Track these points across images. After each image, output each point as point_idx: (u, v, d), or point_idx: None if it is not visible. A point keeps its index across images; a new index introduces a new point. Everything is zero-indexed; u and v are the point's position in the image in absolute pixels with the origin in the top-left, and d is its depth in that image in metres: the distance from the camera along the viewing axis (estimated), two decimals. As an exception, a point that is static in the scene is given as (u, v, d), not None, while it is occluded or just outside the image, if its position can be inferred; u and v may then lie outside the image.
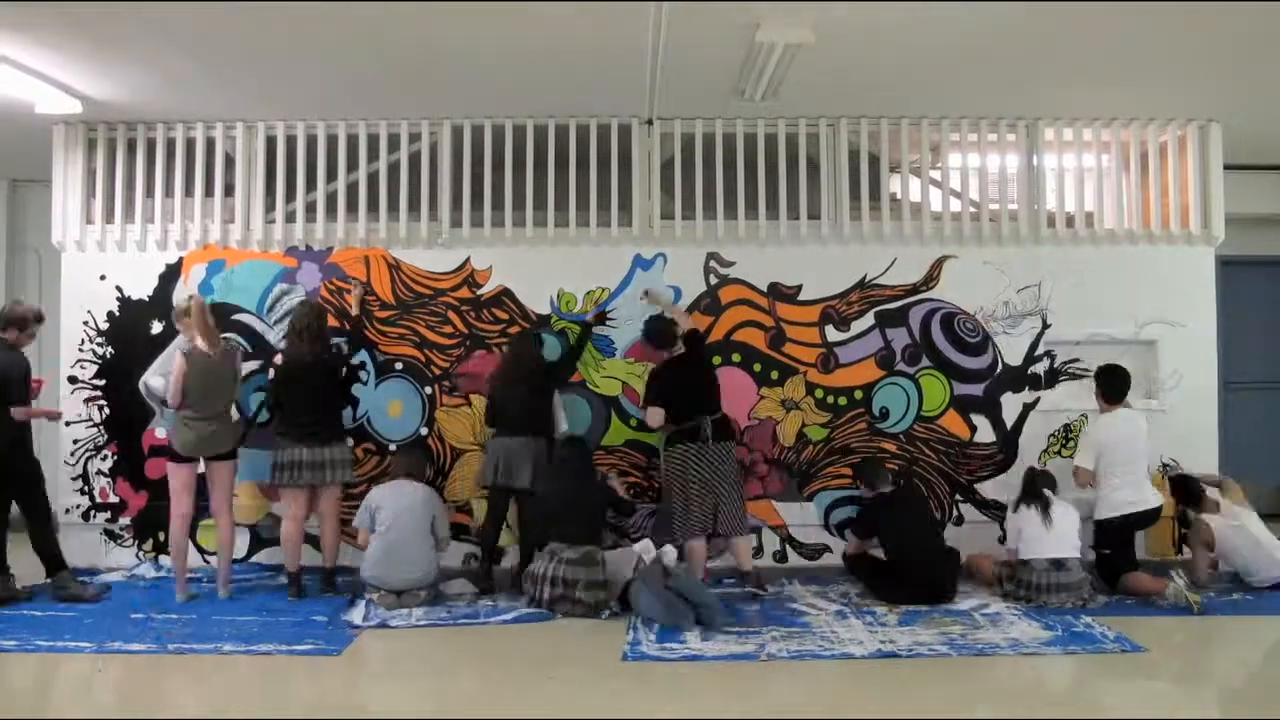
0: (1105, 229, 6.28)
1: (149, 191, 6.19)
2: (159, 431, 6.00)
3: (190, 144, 6.19)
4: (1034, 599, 5.24)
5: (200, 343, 5.32)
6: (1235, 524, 5.56)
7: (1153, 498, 5.53)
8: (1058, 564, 5.25)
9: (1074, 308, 6.15)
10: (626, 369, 6.11)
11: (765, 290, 6.16)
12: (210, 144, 6.19)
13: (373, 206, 6.19)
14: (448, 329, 6.11)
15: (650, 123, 6.20)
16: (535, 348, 5.91)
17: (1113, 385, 5.63)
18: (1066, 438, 6.15)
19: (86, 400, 6.08)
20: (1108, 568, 5.50)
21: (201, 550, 5.97)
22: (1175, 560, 5.95)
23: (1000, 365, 6.15)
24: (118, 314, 6.12)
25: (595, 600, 5.06)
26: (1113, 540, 5.49)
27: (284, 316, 6.07)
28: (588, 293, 6.13)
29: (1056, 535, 5.27)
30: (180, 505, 5.38)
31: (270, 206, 6.19)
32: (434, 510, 5.43)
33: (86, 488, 6.05)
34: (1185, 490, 5.83)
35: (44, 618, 5.07)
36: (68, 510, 6.05)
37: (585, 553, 5.13)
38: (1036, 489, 5.43)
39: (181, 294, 5.98)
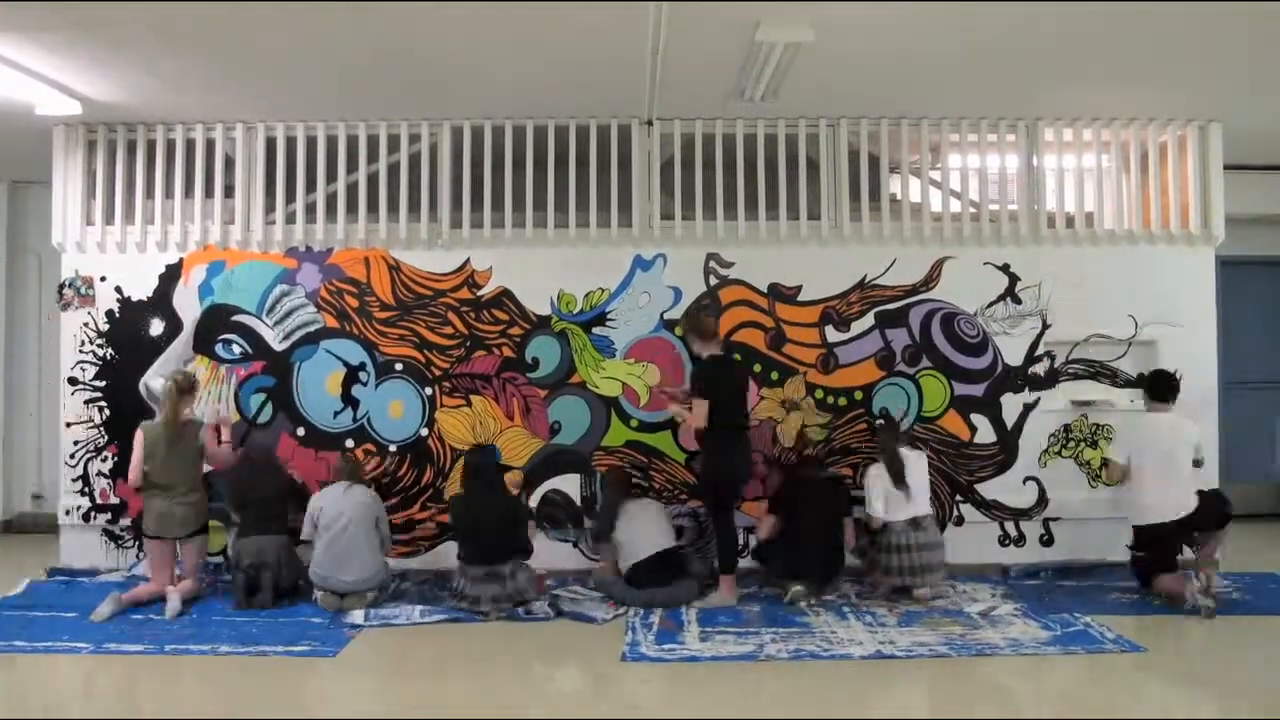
0: (1105, 229, 6.27)
1: (149, 193, 6.19)
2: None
3: (190, 145, 6.19)
4: (901, 569, 5.31)
5: (162, 417, 5.43)
6: None
7: (1187, 505, 5.37)
8: (915, 523, 5.39)
9: (1074, 308, 6.13)
10: (626, 370, 6.10)
11: (765, 291, 6.16)
12: (210, 145, 6.19)
13: (373, 207, 6.19)
14: (448, 330, 6.11)
15: (650, 123, 6.20)
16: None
17: (1156, 387, 5.65)
18: (1067, 438, 6.14)
19: (87, 402, 6.08)
20: (1141, 566, 5.51)
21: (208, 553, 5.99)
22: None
23: (1000, 365, 6.14)
24: (118, 315, 6.12)
25: (502, 607, 5.14)
26: (1144, 543, 5.48)
27: (284, 318, 6.08)
28: (587, 294, 6.13)
29: (913, 495, 5.40)
30: (157, 580, 5.38)
31: (270, 207, 6.20)
32: (376, 512, 5.46)
33: (87, 489, 6.05)
34: None
35: (43, 618, 5.08)
36: (68, 512, 6.06)
37: (488, 571, 5.18)
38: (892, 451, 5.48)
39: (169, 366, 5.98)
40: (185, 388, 5.50)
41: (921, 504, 5.44)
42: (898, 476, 5.39)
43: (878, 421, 5.89)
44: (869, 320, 6.16)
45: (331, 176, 6.21)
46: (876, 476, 5.46)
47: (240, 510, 5.53)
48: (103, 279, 6.12)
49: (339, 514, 5.30)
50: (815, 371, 6.13)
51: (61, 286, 6.06)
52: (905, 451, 5.51)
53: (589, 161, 6.19)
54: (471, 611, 5.13)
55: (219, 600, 5.43)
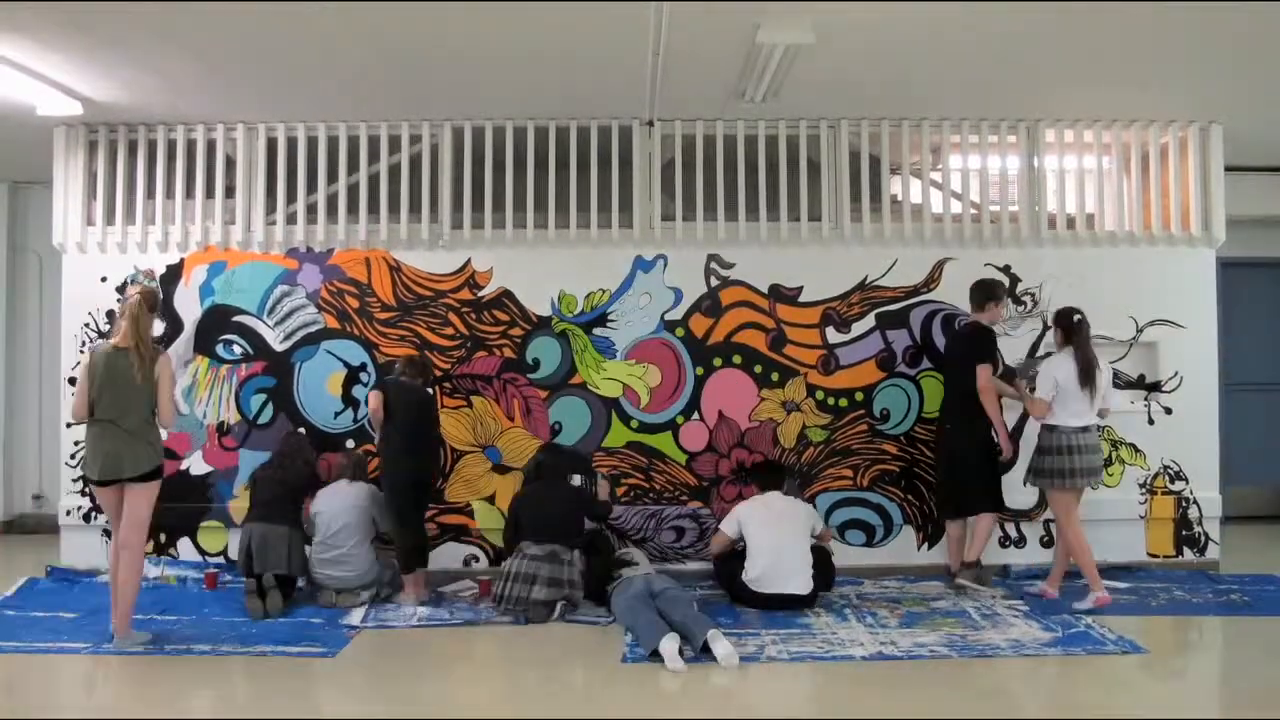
0: (1106, 231, 6.27)
1: (150, 193, 6.19)
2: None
3: (191, 145, 6.19)
4: (1074, 472, 5.23)
5: (117, 339, 4.62)
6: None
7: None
8: (1085, 429, 5.28)
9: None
10: (627, 371, 6.10)
11: (766, 292, 6.16)
12: (211, 145, 6.19)
13: (373, 208, 6.19)
14: (449, 331, 6.11)
15: (651, 124, 6.20)
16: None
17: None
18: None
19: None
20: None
21: (202, 551, 5.99)
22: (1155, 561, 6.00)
23: (1001, 367, 6.12)
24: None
25: (551, 598, 5.07)
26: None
27: (285, 318, 6.09)
28: (588, 295, 6.13)
29: (1096, 400, 5.31)
30: (116, 532, 4.68)
31: (271, 208, 6.19)
32: (374, 510, 5.51)
33: (87, 489, 6.04)
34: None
35: (44, 618, 5.08)
36: (68, 513, 6.06)
37: (550, 550, 5.13)
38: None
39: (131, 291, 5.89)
40: (151, 303, 4.77)
41: (1091, 410, 5.29)
42: (1086, 374, 5.21)
43: (1075, 318, 5.34)
44: (870, 321, 6.16)
45: (332, 177, 6.20)
46: (1058, 365, 5.30)
47: (253, 491, 5.56)
48: (103, 279, 6.12)
49: (334, 516, 5.40)
50: (816, 373, 6.13)
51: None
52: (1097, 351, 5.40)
53: (589, 162, 6.20)
54: (516, 608, 5.07)
55: (220, 601, 5.42)
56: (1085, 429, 5.25)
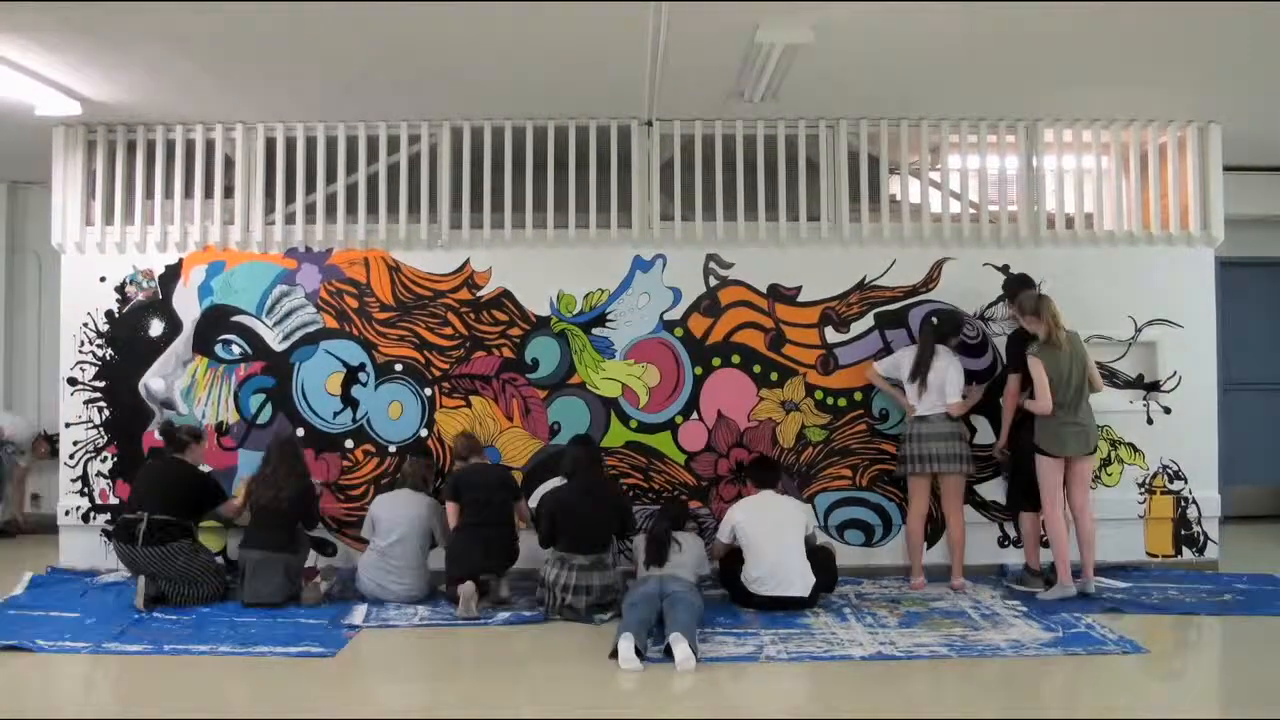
0: (1105, 230, 6.28)
1: (149, 193, 6.18)
2: (158, 434, 6.01)
3: (190, 146, 6.19)
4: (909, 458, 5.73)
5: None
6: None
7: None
8: (923, 419, 5.68)
9: (1073, 309, 6.11)
10: (626, 370, 6.10)
11: (765, 292, 6.16)
12: (210, 145, 6.19)
13: (372, 208, 6.19)
14: (448, 331, 6.11)
15: (650, 124, 6.20)
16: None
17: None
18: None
19: (86, 402, 6.07)
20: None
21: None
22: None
23: (1000, 367, 6.12)
24: (118, 315, 6.12)
25: (602, 600, 5.07)
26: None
27: (284, 318, 6.08)
28: (587, 294, 6.13)
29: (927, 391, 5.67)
30: None
31: (270, 208, 6.19)
32: (433, 524, 5.50)
33: (86, 489, 6.05)
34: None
35: (44, 618, 5.07)
36: (67, 513, 6.05)
37: (595, 559, 5.10)
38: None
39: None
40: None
41: (934, 403, 5.63)
42: (917, 367, 5.65)
43: (932, 321, 5.85)
44: (869, 321, 6.17)
45: (331, 177, 6.20)
46: (899, 357, 5.84)
47: (252, 508, 5.44)
48: (102, 279, 6.12)
49: (394, 525, 5.38)
50: (815, 372, 6.13)
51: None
52: (942, 349, 5.70)
53: (589, 162, 6.20)
54: (563, 610, 5.05)
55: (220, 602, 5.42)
56: (924, 419, 5.67)
